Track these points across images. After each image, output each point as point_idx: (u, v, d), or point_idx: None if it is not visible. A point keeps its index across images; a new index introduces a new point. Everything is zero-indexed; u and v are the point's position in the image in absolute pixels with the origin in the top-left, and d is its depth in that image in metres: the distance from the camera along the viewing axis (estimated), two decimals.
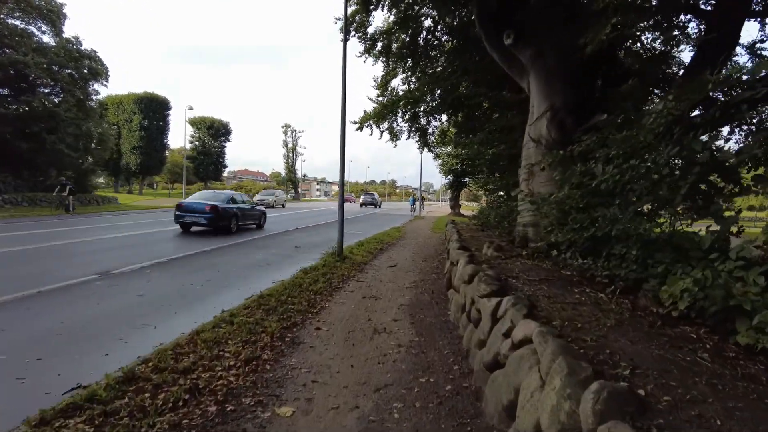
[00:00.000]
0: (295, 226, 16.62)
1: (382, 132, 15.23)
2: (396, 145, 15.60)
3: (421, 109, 13.15)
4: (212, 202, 13.22)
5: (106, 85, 29.61)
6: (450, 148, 30.49)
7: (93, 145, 29.27)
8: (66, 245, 9.88)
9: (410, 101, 12.59)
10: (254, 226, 15.51)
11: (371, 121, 14.55)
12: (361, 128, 14.92)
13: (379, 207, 46.30)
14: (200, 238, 12.03)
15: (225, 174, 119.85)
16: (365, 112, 14.71)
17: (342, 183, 9.76)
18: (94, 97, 29.20)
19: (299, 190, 70.23)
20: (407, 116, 13.67)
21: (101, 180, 60.23)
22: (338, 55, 9.48)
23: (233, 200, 14.24)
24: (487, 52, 8.43)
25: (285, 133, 64.69)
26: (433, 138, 16.33)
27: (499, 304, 3.27)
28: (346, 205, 46.66)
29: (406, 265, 9.06)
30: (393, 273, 8.15)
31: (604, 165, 4.21)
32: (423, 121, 14.96)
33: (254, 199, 30.34)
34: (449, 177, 32.28)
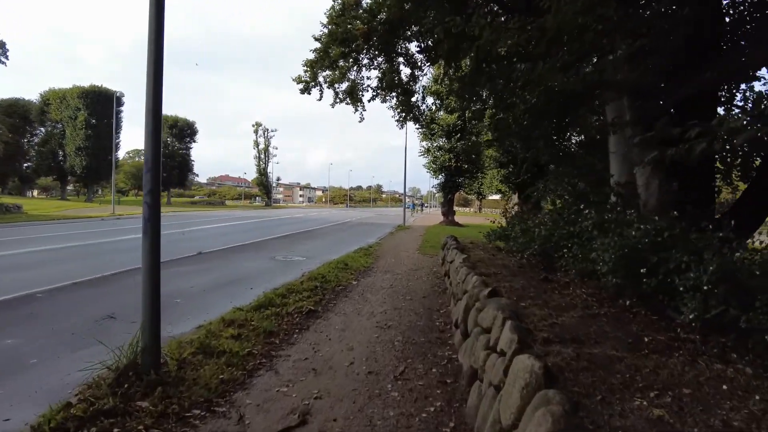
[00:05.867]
0: (198, 250, 10.25)
1: (337, 95, 9.19)
2: (359, 114, 9.50)
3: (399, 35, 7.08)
4: None
5: (4, 63, 22.94)
6: (442, 141, 24.53)
7: None
8: None
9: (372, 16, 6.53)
10: None
11: (318, 70, 8.61)
12: (307, 89, 8.98)
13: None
14: None
15: (204, 180, 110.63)
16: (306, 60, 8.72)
17: (156, 160, 3.41)
18: None
19: (272, 195, 63.43)
20: (373, 52, 7.62)
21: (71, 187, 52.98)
22: None
23: None
24: None
25: (256, 132, 58.09)
26: (425, 106, 10.31)
27: None
28: (317, 213, 38.45)
29: (344, 413, 2.90)
30: None
31: None
32: (403, 76, 8.93)
33: None
34: (440, 177, 26.00)
